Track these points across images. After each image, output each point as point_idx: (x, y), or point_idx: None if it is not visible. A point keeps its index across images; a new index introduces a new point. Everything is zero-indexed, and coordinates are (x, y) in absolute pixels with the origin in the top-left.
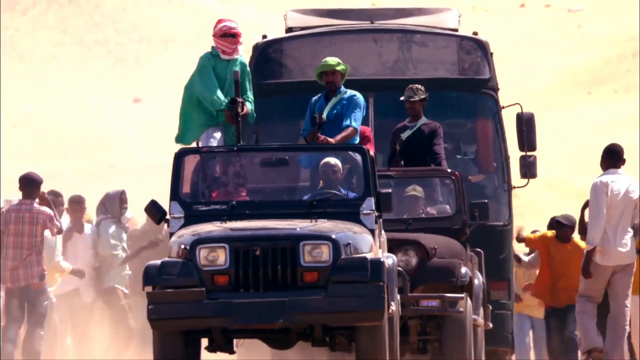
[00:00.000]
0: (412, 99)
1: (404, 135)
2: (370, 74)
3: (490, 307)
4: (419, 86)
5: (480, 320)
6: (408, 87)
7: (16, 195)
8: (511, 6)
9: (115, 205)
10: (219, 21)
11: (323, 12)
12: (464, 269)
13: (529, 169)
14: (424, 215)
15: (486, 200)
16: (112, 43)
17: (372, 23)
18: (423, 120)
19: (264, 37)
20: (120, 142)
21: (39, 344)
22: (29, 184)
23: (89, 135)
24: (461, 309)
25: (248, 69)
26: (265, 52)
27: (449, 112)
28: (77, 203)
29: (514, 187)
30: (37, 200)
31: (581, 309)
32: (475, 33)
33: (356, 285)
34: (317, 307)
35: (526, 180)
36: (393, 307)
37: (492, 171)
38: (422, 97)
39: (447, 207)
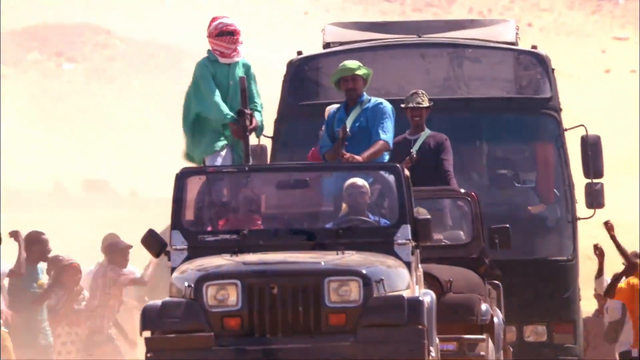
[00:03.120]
0: (421, 105)
1: (413, 149)
2: None
3: (511, 349)
4: (424, 91)
5: None
6: (412, 92)
7: (94, 260)
8: (596, 72)
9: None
10: (213, 19)
11: (365, 26)
12: (484, 306)
13: (595, 198)
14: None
15: (507, 225)
16: None
17: (420, 37)
18: (427, 132)
19: (299, 53)
20: None
21: None
22: (115, 250)
23: None
24: (482, 353)
25: (252, 71)
26: (301, 70)
27: (506, 135)
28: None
29: (579, 219)
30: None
31: None
32: (534, 47)
33: (391, 330)
34: (346, 355)
35: (592, 210)
36: (433, 353)
37: (554, 201)
38: (430, 104)
39: (461, 232)
